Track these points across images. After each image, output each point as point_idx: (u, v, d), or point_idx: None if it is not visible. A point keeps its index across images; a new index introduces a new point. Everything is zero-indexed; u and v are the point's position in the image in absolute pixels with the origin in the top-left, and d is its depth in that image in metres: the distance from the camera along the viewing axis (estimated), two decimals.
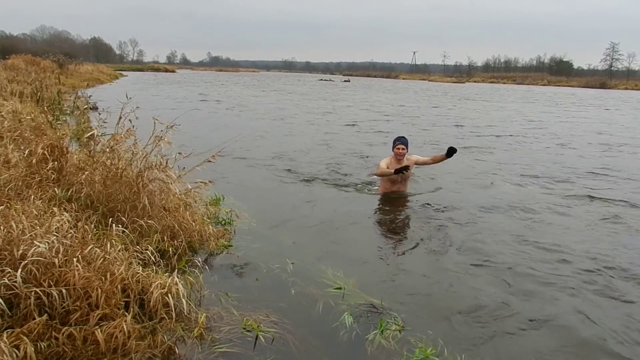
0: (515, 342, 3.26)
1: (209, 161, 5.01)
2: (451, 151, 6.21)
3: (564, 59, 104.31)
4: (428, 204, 6.42)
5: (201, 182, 5.02)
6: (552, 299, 3.87)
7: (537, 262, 4.60)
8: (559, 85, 79.33)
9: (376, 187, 6.99)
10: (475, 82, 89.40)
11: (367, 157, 9.78)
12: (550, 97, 40.86)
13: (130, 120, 4.74)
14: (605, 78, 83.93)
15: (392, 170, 6.20)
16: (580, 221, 5.97)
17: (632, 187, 8.01)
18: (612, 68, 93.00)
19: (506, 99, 36.83)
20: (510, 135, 14.60)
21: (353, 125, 15.85)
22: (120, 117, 4.75)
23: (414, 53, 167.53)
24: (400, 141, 6.47)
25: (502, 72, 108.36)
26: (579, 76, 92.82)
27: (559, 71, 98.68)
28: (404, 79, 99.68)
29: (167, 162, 4.56)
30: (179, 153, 4.74)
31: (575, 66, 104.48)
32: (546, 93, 50.16)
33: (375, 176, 6.88)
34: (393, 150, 6.48)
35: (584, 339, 3.33)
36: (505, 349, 3.18)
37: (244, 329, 3.13)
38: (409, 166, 6.17)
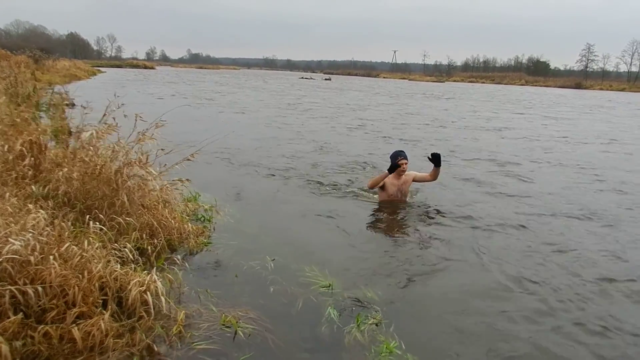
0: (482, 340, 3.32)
1: (189, 159, 4.97)
2: (436, 158, 5.95)
3: (541, 60, 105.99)
4: (421, 208, 6.23)
5: (179, 179, 4.98)
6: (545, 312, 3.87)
7: (528, 268, 4.57)
8: (536, 85, 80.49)
9: (367, 195, 6.74)
10: (454, 81, 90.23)
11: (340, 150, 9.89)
12: (515, 96, 41.73)
13: (114, 118, 4.70)
14: (580, 79, 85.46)
15: (386, 171, 6.03)
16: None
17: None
18: (588, 69, 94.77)
19: (470, 97, 38.40)
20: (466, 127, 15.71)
21: (327, 121, 15.98)
22: (104, 114, 4.71)
23: (395, 52, 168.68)
24: (403, 155, 6.09)
25: (480, 71, 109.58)
26: (555, 76, 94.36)
27: (536, 71, 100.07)
28: (384, 77, 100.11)
29: (147, 159, 4.53)
30: (161, 149, 4.70)
31: (552, 67, 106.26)
32: (514, 92, 51.31)
33: (370, 188, 6.40)
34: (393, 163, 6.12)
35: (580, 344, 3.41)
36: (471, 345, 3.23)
37: (223, 325, 3.14)
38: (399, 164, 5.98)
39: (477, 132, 15.41)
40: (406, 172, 6.22)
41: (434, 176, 6.20)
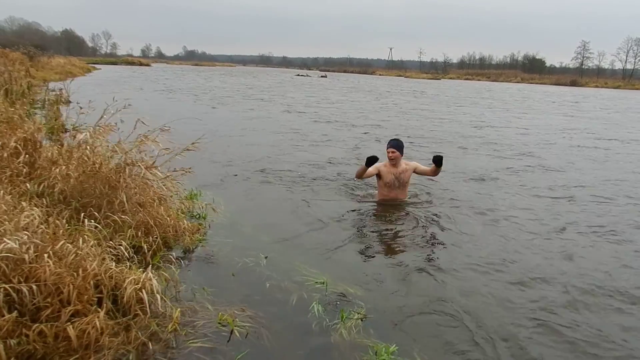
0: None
1: (189, 149, 4.93)
2: (438, 160, 5.94)
3: (537, 57, 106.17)
4: (422, 211, 6.08)
5: (181, 169, 4.92)
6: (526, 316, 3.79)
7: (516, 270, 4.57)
8: (532, 83, 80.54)
9: (369, 193, 6.65)
10: (450, 78, 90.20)
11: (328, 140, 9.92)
12: (499, 95, 41.70)
13: (120, 120, 4.68)
14: (576, 76, 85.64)
15: (363, 165, 5.93)
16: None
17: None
18: (583, 66, 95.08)
19: (452, 93, 39.60)
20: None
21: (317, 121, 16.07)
22: (103, 114, 4.70)
23: (391, 49, 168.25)
24: (391, 144, 6.09)
25: (476, 69, 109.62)
26: (551, 74, 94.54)
27: (532, 69, 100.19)
28: (380, 74, 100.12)
29: (154, 162, 4.51)
30: (165, 149, 4.65)
31: (548, 64, 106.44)
32: (503, 89, 51.70)
33: (358, 179, 6.38)
34: (387, 150, 6.14)
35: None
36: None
37: (219, 323, 3.13)
38: (376, 157, 5.89)
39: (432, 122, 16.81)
40: (408, 162, 6.22)
41: (435, 173, 6.19)
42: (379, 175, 6.22)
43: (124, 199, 4.13)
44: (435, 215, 5.90)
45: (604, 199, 7.17)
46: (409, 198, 6.41)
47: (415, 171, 6.26)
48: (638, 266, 4.64)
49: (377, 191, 6.42)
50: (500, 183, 7.98)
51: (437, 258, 4.61)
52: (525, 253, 4.86)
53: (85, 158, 4.33)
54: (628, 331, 3.45)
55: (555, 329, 3.44)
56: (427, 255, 4.68)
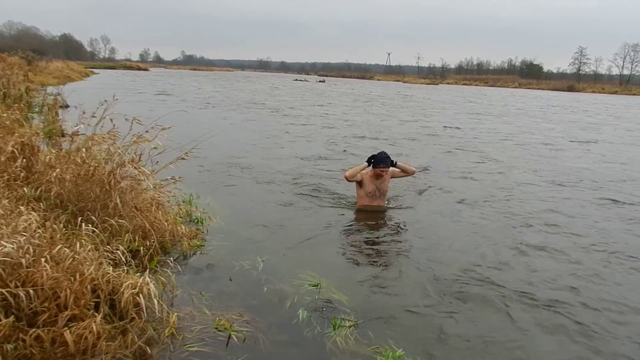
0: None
1: (183, 158, 4.96)
2: (373, 160, 5.98)
3: (535, 62, 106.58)
4: (403, 217, 6.11)
5: (172, 178, 4.95)
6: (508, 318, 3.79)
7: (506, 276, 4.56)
8: (529, 88, 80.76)
9: (350, 200, 6.57)
10: (448, 83, 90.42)
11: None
12: (487, 99, 41.89)
13: (112, 120, 4.69)
14: (573, 81, 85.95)
15: (365, 163, 5.94)
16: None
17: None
18: (580, 72, 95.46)
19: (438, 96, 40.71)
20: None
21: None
22: (102, 117, 4.71)
23: (389, 54, 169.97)
24: (386, 163, 5.97)
25: (474, 74, 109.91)
26: (548, 79, 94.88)
27: (529, 74, 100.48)
28: (378, 79, 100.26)
29: (140, 157, 4.51)
30: (154, 148, 4.67)
31: (545, 69, 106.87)
32: (493, 95, 52.10)
33: (348, 179, 6.09)
34: (374, 168, 6.03)
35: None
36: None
37: (216, 328, 3.13)
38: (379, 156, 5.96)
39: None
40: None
41: (406, 171, 6.24)
42: (360, 184, 6.16)
43: (118, 202, 4.12)
44: (418, 219, 5.99)
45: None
46: (388, 204, 6.44)
47: (392, 176, 6.28)
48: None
49: (355, 199, 6.37)
50: (478, 182, 8.31)
51: (425, 259, 4.63)
52: (510, 249, 4.99)
53: (80, 161, 4.33)
54: None
55: (566, 330, 3.47)
56: (415, 257, 4.72)
